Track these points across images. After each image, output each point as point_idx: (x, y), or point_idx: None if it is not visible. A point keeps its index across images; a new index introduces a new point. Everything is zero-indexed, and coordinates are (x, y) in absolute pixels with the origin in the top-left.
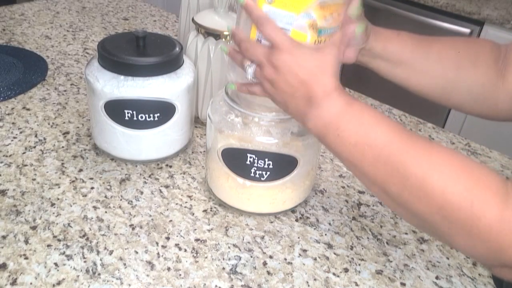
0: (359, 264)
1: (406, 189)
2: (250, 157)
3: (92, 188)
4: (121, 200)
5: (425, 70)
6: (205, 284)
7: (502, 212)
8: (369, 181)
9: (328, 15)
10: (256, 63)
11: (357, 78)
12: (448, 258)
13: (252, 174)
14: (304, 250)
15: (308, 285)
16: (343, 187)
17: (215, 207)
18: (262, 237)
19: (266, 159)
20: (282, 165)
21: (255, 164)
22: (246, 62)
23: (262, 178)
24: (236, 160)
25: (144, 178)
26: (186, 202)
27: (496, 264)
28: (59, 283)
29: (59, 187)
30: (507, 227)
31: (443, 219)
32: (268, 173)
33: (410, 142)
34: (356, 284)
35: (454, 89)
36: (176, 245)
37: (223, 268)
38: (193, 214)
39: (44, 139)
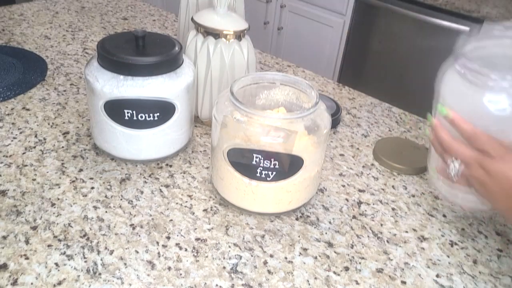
0: (360, 263)
1: None
2: (256, 157)
3: (92, 188)
4: (121, 199)
5: None
6: (205, 283)
7: None
8: None
9: None
10: (463, 162)
11: (357, 77)
12: (448, 256)
13: (258, 174)
14: (305, 249)
15: (309, 284)
16: (343, 186)
17: (215, 206)
18: (263, 236)
19: (272, 159)
20: (288, 165)
21: (261, 164)
22: (449, 157)
23: (268, 178)
24: (242, 160)
25: (144, 177)
26: (186, 202)
27: None
28: (59, 283)
29: (59, 187)
30: None
31: None
32: (274, 173)
33: None
34: (357, 283)
35: None
36: (177, 244)
37: (224, 267)
38: (194, 213)
39: (44, 139)
